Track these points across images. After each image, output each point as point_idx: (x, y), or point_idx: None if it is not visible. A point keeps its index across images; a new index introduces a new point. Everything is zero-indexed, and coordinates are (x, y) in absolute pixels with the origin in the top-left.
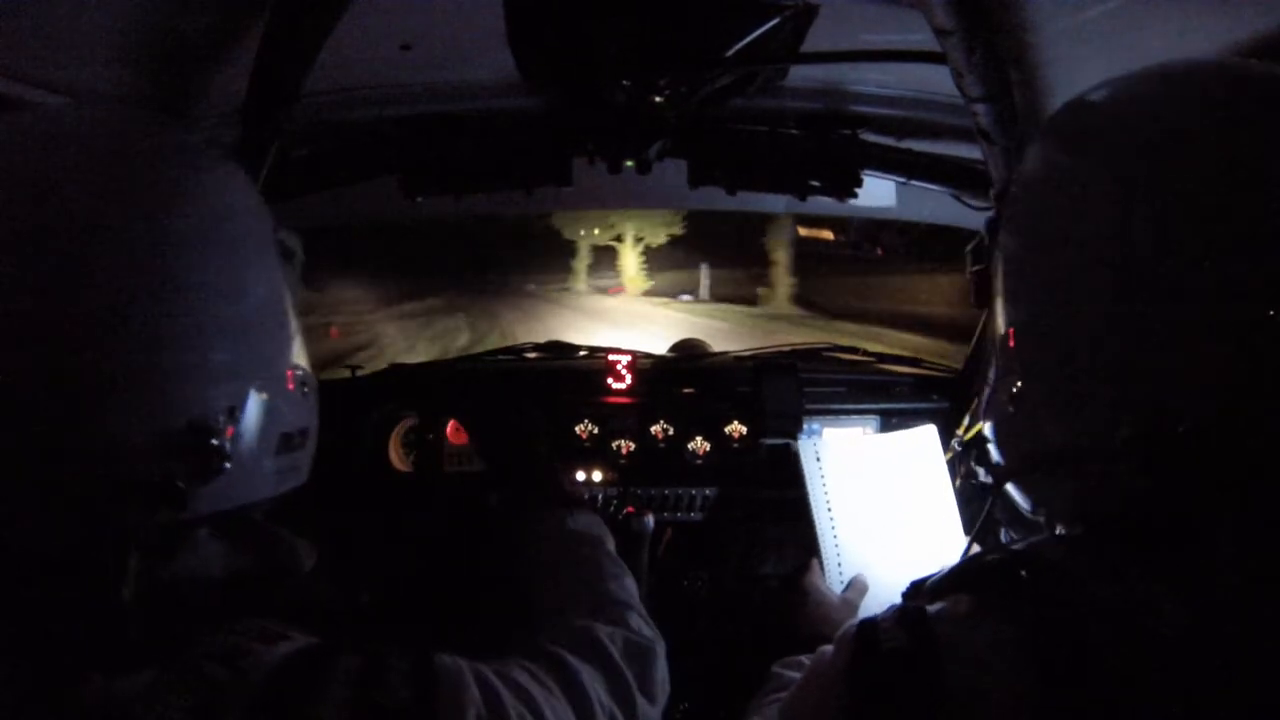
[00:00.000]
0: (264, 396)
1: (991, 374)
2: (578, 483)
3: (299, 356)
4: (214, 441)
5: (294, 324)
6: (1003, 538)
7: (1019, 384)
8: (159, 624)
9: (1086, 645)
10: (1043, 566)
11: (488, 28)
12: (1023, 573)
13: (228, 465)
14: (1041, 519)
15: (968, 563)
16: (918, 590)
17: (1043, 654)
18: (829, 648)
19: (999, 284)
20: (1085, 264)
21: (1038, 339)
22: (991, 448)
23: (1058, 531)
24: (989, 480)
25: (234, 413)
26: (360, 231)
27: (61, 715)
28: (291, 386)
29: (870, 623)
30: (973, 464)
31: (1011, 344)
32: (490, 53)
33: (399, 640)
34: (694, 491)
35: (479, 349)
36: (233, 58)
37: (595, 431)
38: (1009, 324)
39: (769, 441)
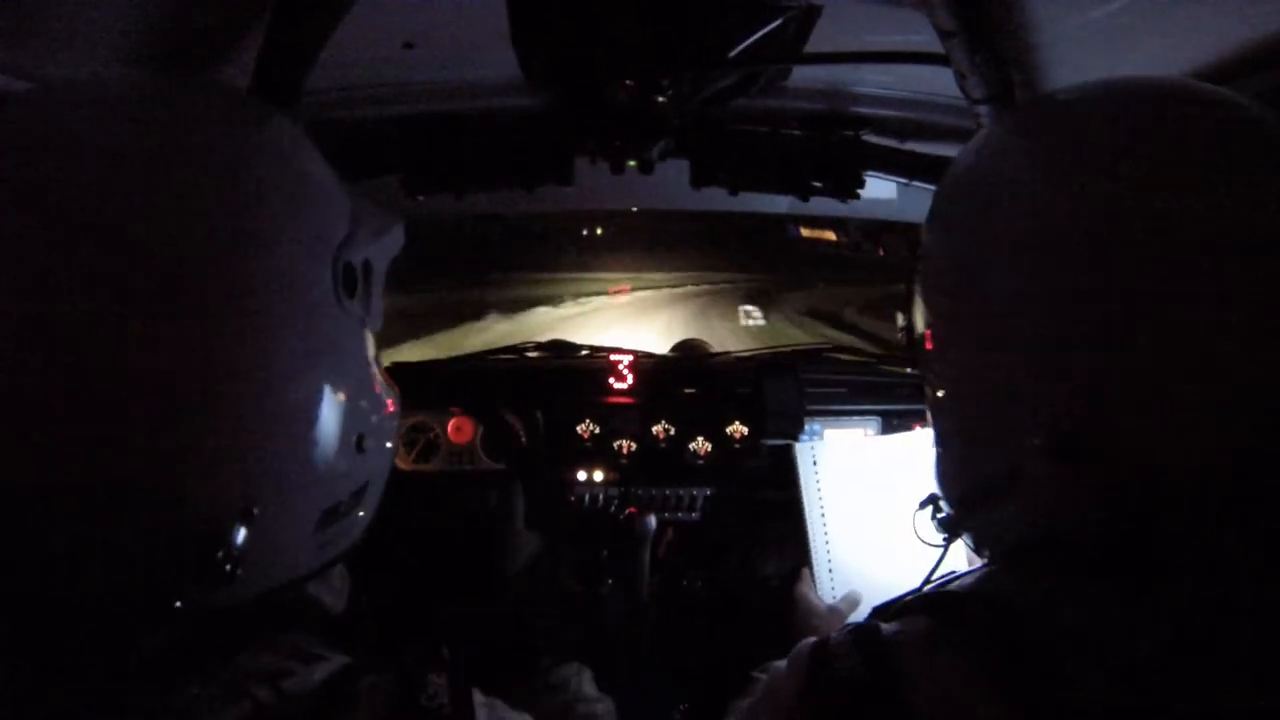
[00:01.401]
0: (297, 484)
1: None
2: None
3: (361, 406)
4: (224, 565)
5: (349, 357)
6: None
7: (940, 394)
8: (189, 638)
9: (1056, 674)
10: (1004, 595)
11: (490, 27)
12: (982, 604)
13: (238, 573)
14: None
15: (930, 590)
16: (883, 612)
17: (1011, 684)
18: (782, 664)
19: (918, 283)
20: (1015, 265)
21: (963, 343)
22: (939, 494)
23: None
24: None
25: (249, 512)
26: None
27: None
28: (342, 448)
29: (824, 644)
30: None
31: (929, 346)
32: (493, 52)
33: (399, 639)
34: (695, 492)
35: (481, 347)
36: (234, 56)
37: (596, 431)
38: (926, 326)
39: (770, 442)
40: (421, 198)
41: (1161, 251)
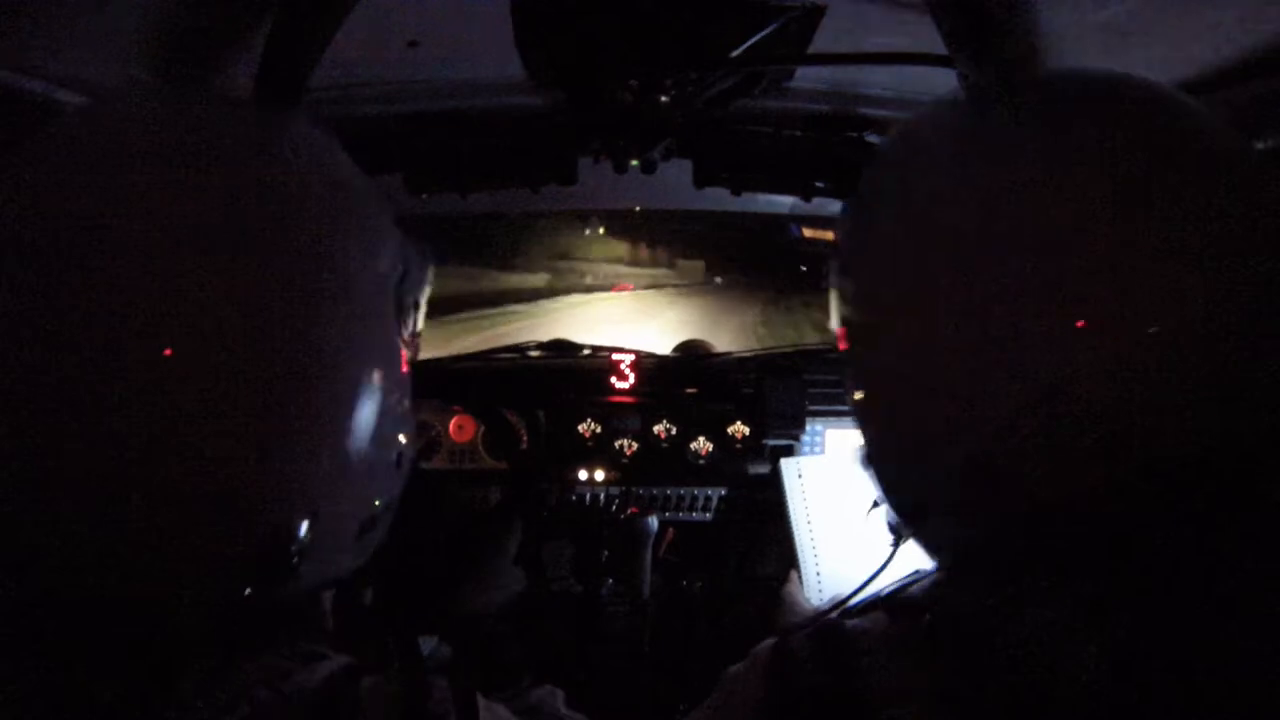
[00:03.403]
0: (351, 490)
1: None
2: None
3: (403, 428)
4: (290, 549)
5: (394, 369)
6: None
7: (859, 394)
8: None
9: (1012, 683)
10: (960, 605)
11: (494, 26)
12: (939, 613)
13: (299, 567)
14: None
15: (891, 591)
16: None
17: (966, 692)
18: (742, 667)
19: (834, 278)
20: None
21: (865, 341)
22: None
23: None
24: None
25: (316, 512)
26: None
27: None
28: (387, 463)
29: (784, 647)
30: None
31: (841, 345)
32: (497, 51)
33: (399, 637)
34: (696, 491)
35: (483, 347)
36: (238, 54)
37: (598, 431)
38: (843, 322)
39: (771, 442)
40: (425, 196)
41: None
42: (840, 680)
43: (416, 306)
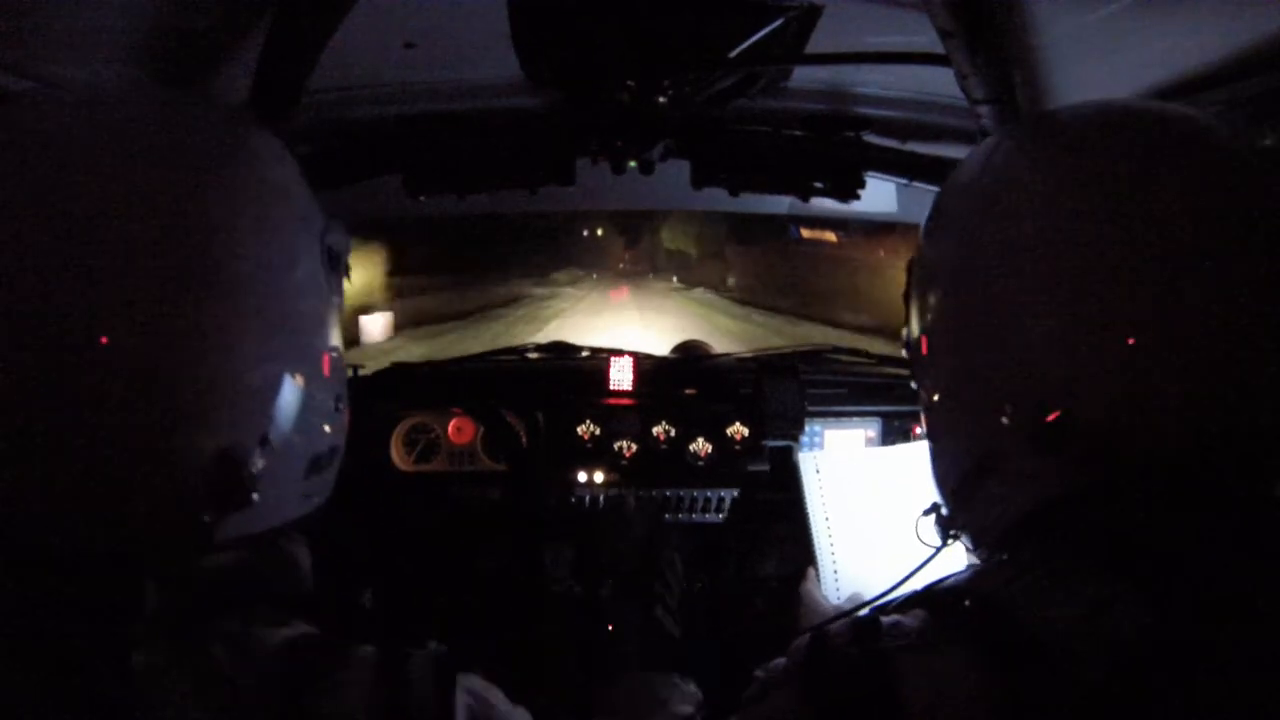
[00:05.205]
0: (299, 418)
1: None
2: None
3: (337, 368)
4: (244, 474)
5: (333, 328)
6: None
7: (935, 397)
8: (161, 608)
9: (1045, 667)
10: (993, 590)
11: (491, 27)
12: (974, 599)
13: (255, 496)
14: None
15: (926, 587)
16: (883, 609)
17: (1002, 678)
18: (781, 662)
19: (914, 290)
20: (996, 261)
21: (949, 342)
22: (936, 493)
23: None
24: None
25: (266, 440)
26: (362, 229)
27: (73, 693)
28: (328, 404)
29: (822, 640)
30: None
31: (924, 351)
32: (494, 52)
33: (401, 638)
34: (695, 493)
35: (481, 349)
36: (236, 55)
37: (597, 432)
38: (922, 331)
39: (771, 443)
40: (423, 197)
41: (1147, 255)
42: (874, 668)
43: (339, 262)
